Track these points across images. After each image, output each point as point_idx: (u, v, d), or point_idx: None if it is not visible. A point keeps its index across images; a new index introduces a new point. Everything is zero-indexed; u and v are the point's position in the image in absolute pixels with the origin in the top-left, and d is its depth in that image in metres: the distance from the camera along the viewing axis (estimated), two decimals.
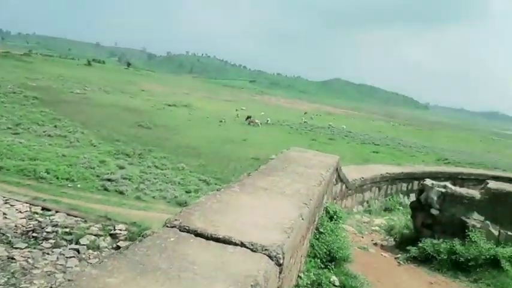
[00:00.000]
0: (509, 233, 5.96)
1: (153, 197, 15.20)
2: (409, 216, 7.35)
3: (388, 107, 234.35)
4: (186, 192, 16.64)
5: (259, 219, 2.90)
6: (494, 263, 5.58)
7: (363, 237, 7.41)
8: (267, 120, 47.65)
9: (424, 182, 6.59)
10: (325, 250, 4.62)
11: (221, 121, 42.07)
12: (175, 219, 2.62)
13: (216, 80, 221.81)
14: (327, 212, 5.49)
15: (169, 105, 50.12)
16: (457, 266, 5.69)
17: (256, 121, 44.11)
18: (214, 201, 3.17)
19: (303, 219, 3.17)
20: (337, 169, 6.96)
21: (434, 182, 6.54)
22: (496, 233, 5.98)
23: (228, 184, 3.81)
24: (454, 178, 13.52)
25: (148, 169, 18.94)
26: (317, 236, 4.77)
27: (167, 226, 2.57)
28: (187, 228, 2.52)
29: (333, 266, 4.59)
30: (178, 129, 32.69)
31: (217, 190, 3.54)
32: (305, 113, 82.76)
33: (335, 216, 5.50)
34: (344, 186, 8.54)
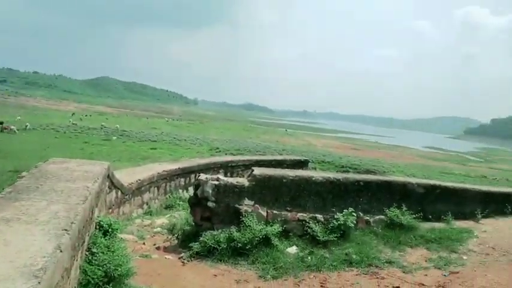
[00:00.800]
0: (275, 211, 6.67)
1: None
2: (189, 211, 7.37)
3: (160, 104, 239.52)
4: None
5: None
6: (266, 241, 6.12)
7: (144, 244, 7.04)
8: (26, 126, 41.19)
9: (199, 177, 6.69)
10: (100, 273, 4.03)
11: None
12: None
13: None
14: (100, 226, 4.86)
15: None
16: (236, 252, 5.99)
17: (12, 127, 37.42)
18: None
19: (61, 250, 2.54)
20: (108, 176, 6.32)
21: (208, 176, 6.73)
22: (264, 214, 6.59)
23: None
24: (226, 167, 14.67)
25: None
26: (89, 259, 4.13)
27: None
28: None
29: None
30: None
31: None
32: (73, 114, 76.12)
33: (110, 230, 4.92)
34: (120, 193, 7.95)
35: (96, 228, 4.70)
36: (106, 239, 4.63)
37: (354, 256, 6.16)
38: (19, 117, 50.49)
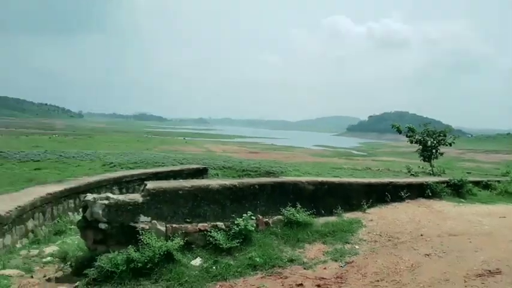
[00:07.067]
0: (174, 225, 6.53)
1: None
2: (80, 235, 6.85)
3: (40, 119, 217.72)
4: None
5: None
6: (168, 257, 5.93)
7: (32, 277, 6.37)
8: None
9: (86, 198, 6.25)
10: None
11: None
12: None
13: None
14: None
15: None
16: (137, 273, 5.69)
17: None
18: None
19: None
20: None
21: (95, 195, 6.30)
22: (163, 229, 6.41)
23: None
24: (119, 183, 13.95)
25: None
26: None
27: None
28: None
29: None
30: None
31: None
32: None
33: None
34: None
35: None
36: None
37: (258, 259, 6.31)
38: None
